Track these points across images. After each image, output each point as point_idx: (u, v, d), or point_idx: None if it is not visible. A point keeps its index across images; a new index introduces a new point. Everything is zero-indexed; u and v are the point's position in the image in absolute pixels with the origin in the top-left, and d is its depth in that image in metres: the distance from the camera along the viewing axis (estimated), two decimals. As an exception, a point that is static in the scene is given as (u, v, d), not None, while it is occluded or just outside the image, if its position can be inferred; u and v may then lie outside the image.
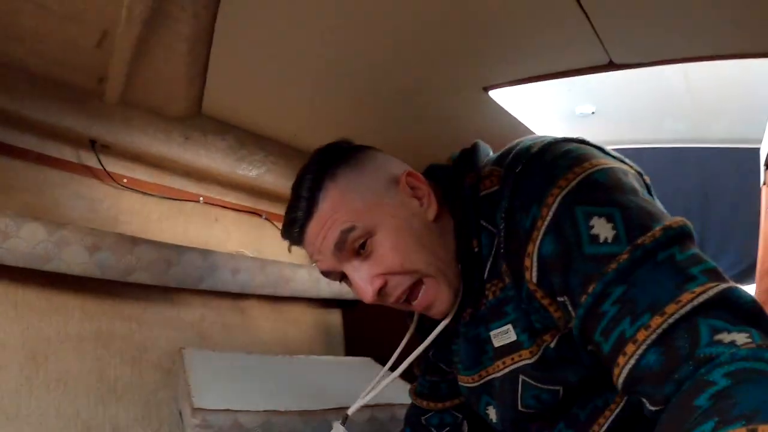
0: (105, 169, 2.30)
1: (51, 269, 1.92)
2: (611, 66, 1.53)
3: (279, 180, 2.83)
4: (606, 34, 1.39)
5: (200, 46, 1.68)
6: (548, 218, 0.75)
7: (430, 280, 0.96)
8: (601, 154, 0.81)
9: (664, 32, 1.37)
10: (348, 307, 3.37)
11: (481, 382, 1.08)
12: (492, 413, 1.10)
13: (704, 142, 2.33)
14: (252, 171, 2.72)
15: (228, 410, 1.72)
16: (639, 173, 0.86)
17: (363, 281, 0.95)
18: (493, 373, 1.04)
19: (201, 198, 2.74)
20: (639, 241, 0.65)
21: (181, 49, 1.68)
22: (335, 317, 3.35)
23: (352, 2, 1.39)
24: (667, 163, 2.78)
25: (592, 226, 0.69)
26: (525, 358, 0.94)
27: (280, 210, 2.96)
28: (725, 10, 1.21)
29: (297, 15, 1.49)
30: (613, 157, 0.85)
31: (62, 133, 2.14)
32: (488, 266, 0.97)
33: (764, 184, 1.88)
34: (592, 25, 1.36)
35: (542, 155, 0.85)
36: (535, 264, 0.78)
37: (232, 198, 2.90)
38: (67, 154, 2.24)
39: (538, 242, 0.77)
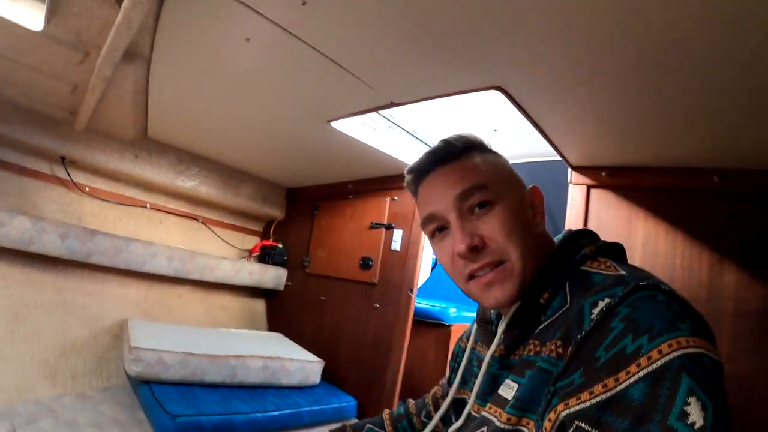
0: (72, 180, 2.85)
1: (34, 251, 2.48)
2: (393, 105, 1.80)
3: (211, 190, 3.41)
4: (380, 82, 1.66)
5: (140, 95, 2.11)
6: (655, 365, 0.69)
7: (510, 265, 0.98)
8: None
9: (432, 73, 1.52)
10: (271, 296, 3.89)
11: (477, 414, 1.05)
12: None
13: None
14: (188, 183, 3.27)
15: (155, 349, 2.22)
16: None
17: (465, 234, 0.98)
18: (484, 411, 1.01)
19: (148, 204, 3.26)
20: None
21: (126, 97, 2.11)
22: (260, 305, 3.88)
23: (256, 53, 1.59)
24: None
25: (689, 404, 0.64)
26: (497, 416, 0.93)
27: (213, 215, 3.63)
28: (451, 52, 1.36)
29: (213, 66, 1.76)
30: None
31: (40, 151, 2.68)
32: (543, 325, 0.95)
33: (570, 182, 2.10)
34: (356, 77, 1.63)
35: (674, 293, 0.82)
36: (613, 393, 0.72)
37: (173, 205, 3.43)
38: (43, 167, 2.78)
39: (631, 380, 0.70)
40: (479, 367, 1.11)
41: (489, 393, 1.04)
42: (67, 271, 2.80)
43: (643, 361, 0.70)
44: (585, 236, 1.06)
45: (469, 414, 1.08)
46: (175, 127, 2.74)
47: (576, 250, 0.99)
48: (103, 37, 1.58)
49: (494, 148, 1.14)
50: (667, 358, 0.69)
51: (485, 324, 1.17)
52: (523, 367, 0.95)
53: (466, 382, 1.21)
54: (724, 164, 1.71)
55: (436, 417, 1.21)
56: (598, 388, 0.74)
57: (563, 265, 0.98)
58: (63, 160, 2.80)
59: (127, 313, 2.97)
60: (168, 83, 2.01)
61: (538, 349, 0.93)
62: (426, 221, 1.07)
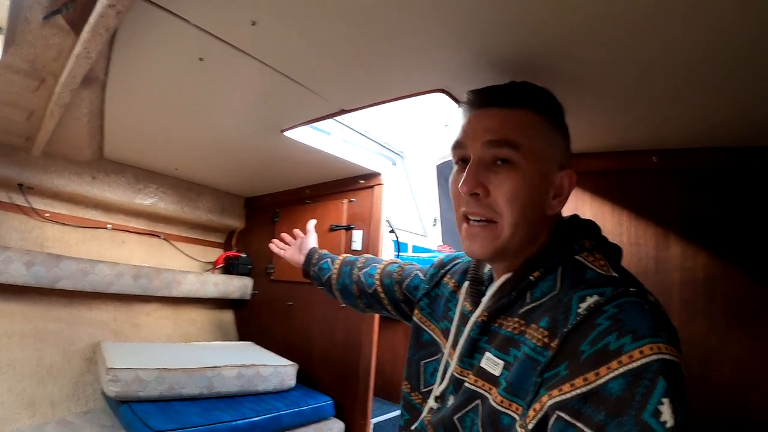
0: (32, 207, 2.89)
1: (1, 281, 2.51)
2: (343, 112, 1.89)
3: (170, 206, 3.48)
4: (332, 90, 1.74)
5: (95, 117, 2.16)
6: (635, 363, 0.74)
7: (498, 228, 1.04)
8: None
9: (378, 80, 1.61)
10: (238, 306, 3.98)
11: (461, 378, 1.11)
12: (449, 400, 1.14)
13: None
14: (147, 200, 3.33)
15: (131, 368, 2.28)
16: None
17: (473, 180, 1.03)
18: (466, 378, 1.08)
19: (109, 225, 3.32)
20: None
21: (82, 120, 2.15)
22: (228, 316, 3.98)
23: (209, 71, 1.65)
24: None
25: (663, 403, 0.69)
26: (492, 395, 0.97)
27: (173, 231, 3.72)
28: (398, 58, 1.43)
29: (168, 85, 1.82)
30: None
31: None
32: (528, 305, 1.00)
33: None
34: (307, 88, 1.72)
35: (658, 305, 0.89)
36: (592, 386, 0.76)
37: (134, 223, 3.48)
38: (1, 196, 2.79)
39: (611, 375, 0.75)
40: (461, 323, 1.19)
41: (467, 355, 1.10)
42: (35, 298, 2.82)
43: (624, 358, 0.75)
44: (587, 227, 1.10)
45: (453, 376, 1.14)
46: (131, 147, 2.79)
47: (575, 239, 1.04)
48: (59, 63, 1.64)
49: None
50: (647, 359, 0.74)
51: (476, 283, 1.22)
52: (505, 344, 1.00)
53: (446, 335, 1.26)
54: (661, 145, 1.83)
55: (443, 383, 1.20)
56: (579, 381, 0.78)
57: (560, 250, 1.03)
58: (21, 187, 2.83)
59: (98, 335, 3.02)
60: (123, 104, 2.07)
61: (522, 328, 0.98)
62: (455, 146, 1.11)
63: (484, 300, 1.11)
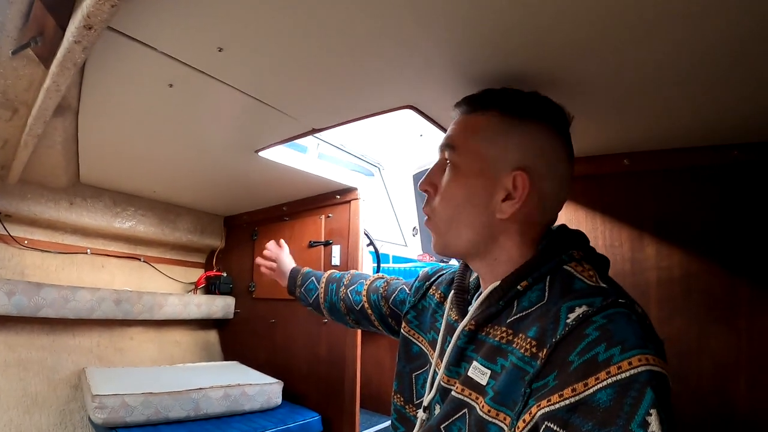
0: (10, 234, 2.87)
1: None
2: (314, 131, 1.95)
3: (149, 228, 3.47)
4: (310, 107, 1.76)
5: (70, 144, 2.17)
6: (624, 374, 0.74)
7: (434, 224, 1.14)
8: None
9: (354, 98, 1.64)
10: (222, 326, 3.97)
11: (447, 387, 1.12)
12: (435, 409, 1.16)
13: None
14: (126, 223, 3.33)
15: (116, 394, 2.27)
16: None
17: (427, 177, 1.15)
18: (453, 387, 1.09)
19: (88, 250, 3.30)
20: None
21: (57, 147, 2.17)
22: (212, 336, 3.97)
23: (179, 97, 1.67)
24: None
25: (651, 414, 0.70)
26: (479, 404, 0.97)
27: (154, 253, 3.73)
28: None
29: (139, 111, 1.84)
30: None
31: None
32: (516, 315, 1.00)
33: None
34: (278, 110, 1.77)
35: (645, 317, 0.91)
36: (581, 397, 0.77)
37: (113, 247, 3.47)
38: None
39: (599, 385, 0.76)
40: (447, 332, 1.21)
41: (454, 364, 1.12)
42: (17, 327, 2.82)
43: (613, 369, 0.76)
44: (576, 237, 1.10)
45: (440, 386, 1.15)
46: (108, 171, 2.81)
47: (564, 249, 1.04)
48: (30, 94, 1.66)
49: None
50: (635, 371, 0.75)
51: (461, 292, 1.25)
52: (492, 353, 1.00)
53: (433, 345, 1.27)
54: (632, 148, 1.90)
55: (432, 390, 1.19)
56: (567, 392, 0.79)
57: (548, 259, 1.02)
58: (-2, 216, 2.95)
59: (82, 361, 3.02)
60: (97, 131, 2.09)
61: (510, 338, 0.98)
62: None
63: (472, 309, 1.12)
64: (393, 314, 1.60)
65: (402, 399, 1.36)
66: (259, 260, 2.20)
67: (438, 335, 1.24)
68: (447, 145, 1.14)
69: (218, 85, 1.56)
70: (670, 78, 1.32)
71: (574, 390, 0.78)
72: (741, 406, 1.61)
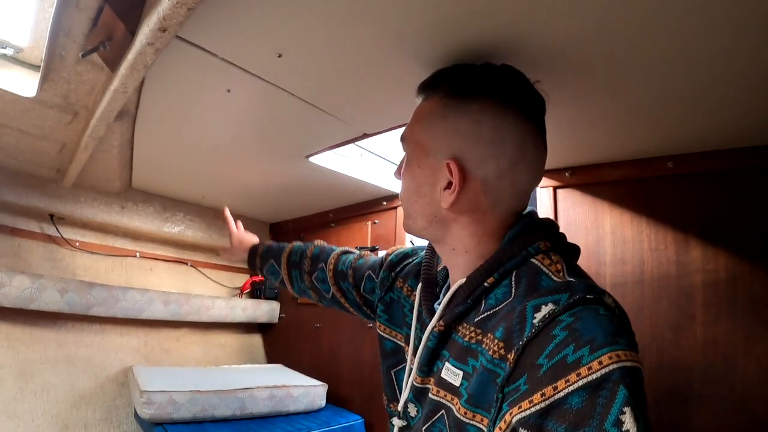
0: (62, 237, 2.98)
1: (34, 308, 2.56)
2: (365, 136, 1.95)
3: (197, 233, 3.53)
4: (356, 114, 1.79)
5: (125, 149, 2.20)
6: (594, 375, 0.73)
7: (402, 209, 1.15)
8: None
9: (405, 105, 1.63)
10: (266, 330, 4.04)
11: (422, 387, 1.11)
12: (412, 411, 1.15)
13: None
14: (175, 228, 3.41)
15: (164, 391, 2.34)
16: None
17: (399, 166, 1.18)
18: (429, 387, 1.08)
19: (138, 253, 3.39)
20: None
21: (113, 151, 2.20)
22: (257, 339, 4.03)
23: (236, 102, 1.71)
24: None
25: (624, 413, 0.69)
26: (455, 406, 0.97)
27: (201, 258, 3.78)
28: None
29: (196, 117, 1.87)
30: None
31: (29, 211, 2.80)
32: (483, 314, 0.98)
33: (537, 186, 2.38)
34: (331, 115, 1.78)
35: (615, 308, 0.87)
36: (551, 401, 0.76)
37: (162, 251, 3.55)
38: (33, 227, 2.89)
39: (570, 388, 0.74)
40: (419, 329, 1.19)
41: (426, 365, 1.09)
42: (68, 324, 2.90)
43: (583, 371, 0.74)
44: (543, 228, 1.04)
45: (413, 386, 1.13)
46: (159, 176, 2.85)
47: (531, 241, 0.99)
48: (92, 98, 1.71)
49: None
50: (606, 370, 0.73)
51: (429, 285, 1.22)
52: (462, 353, 0.99)
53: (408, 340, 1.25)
54: (676, 151, 1.89)
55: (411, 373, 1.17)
56: (537, 397, 0.77)
57: (514, 253, 0.98)
58: (52, 218, 2.92)
59: (128, 360, 3.09)
60: (152, 136, 2.13)
61: (479, 338, 0.96)
62: None
63: (439, 309, 1.10)
64: (366, 302, 1.56)
65: (386, 398, 1.34)
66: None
67: (410, 330, 1.23)
68: (401, 137, 1.14)
69: (275, 90, 1.58)
70: (710, 78, 1.32)
71: (543, 395, 0.77)
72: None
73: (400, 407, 1.18)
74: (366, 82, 1.56)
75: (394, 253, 1.48)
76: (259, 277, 4.04)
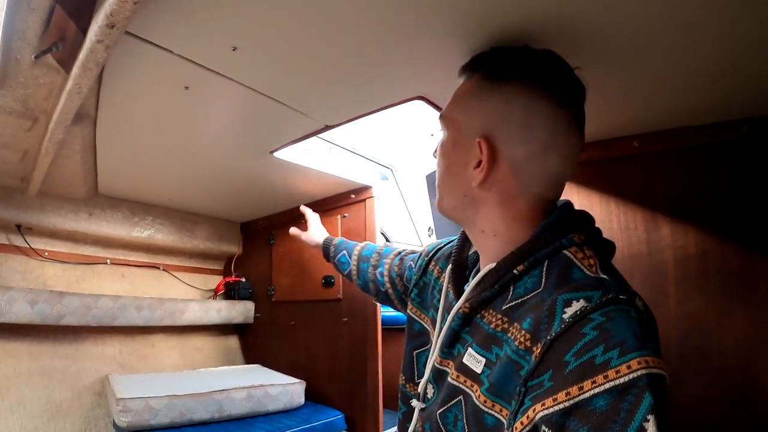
0: (31, 247, 2.94)
1: (5, 321, 2.51)
2: (327, 128, 1.97)
3: (167, 236, 3.52)
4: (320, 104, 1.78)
5: (88, 153, 2.19)
6: (622, 379, 0.73)
7: (438, 190, 1.17)
8: None
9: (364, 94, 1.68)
10: (242, 330, 4.03)
11: (442, 368, 1.12)
12: (430, 392, 1.16)
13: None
14: (144, 232, 3.38)
15: (140, 397, 2.32)
16: None
17: (437, 146, 1.18)
18: (448, 371, 1.09)
19: (108, 260, 3.37)
20: None
21: (76, 156, 2.17)
22: (233, 341, 4.03)
23: (195, 99, 1.71)
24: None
25: (648, 420, 0.68)
26: (474, 393, 0.97)
27: (173, 261, 3.77)
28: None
29: (156, 117, 1.87)
30: None
31: None
32: (512, 302, 0.98)
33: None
34: (291, 108, 1.80)
35: (644, 312, 0.87)
36: (575, 401, 0.75)
37: (133, 257, 3.52)
38: (1, 238, 2.84)
39: (596, 390, 0.74)
40: (445, 310, 1.20)
41: (448, 346, 1.10)
42: (41, 336, 2.86)
43: (611, 373, 0.73)
44: (579, 220, 1.04)
45: (434, 366, 1.14)
46: (125, 180, 2.84)
47: (565, 232, 0.99)
48: (50, 102, 1.68)
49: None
50: (634, 375, 0.72)
51: (458, 268, 1.23)
52: (487, 340, 0.98)
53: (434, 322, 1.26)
54: (641, 130, 1.91)
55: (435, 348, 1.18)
56: (561, 395, 0.77)
57: (547, 242, 0.97)
58: (19, 228, 2.88)
59: (104, 369, 3.07)
60: (114, 139, 2.12)
61: (505, 326, 0.95)
62: None
63: (467, 290, 1.10)
64: (405, 290, 1.59)
65: (404, 378, 1.34)
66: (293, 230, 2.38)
67: (437, 313, 1.23)
68: (440, 116, 1.16)
69: (233, 85, 1.58)
70: (676, 54, 1.33)
71: (568, 394, 0.77)
72: (764, 379, 1.62)
73: (420, 388, 1.19)
74: (324, 74, 1.55)
75: (434, 244, 1.51)
76: (233, 278, 4.05)
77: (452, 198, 1.12)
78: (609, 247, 1.07)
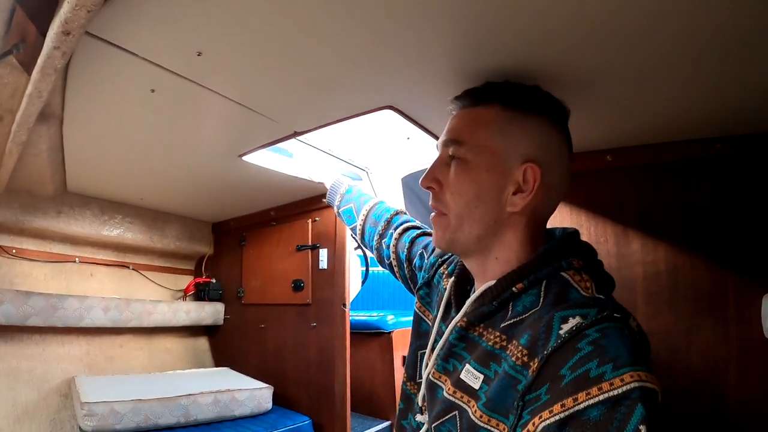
0: None
1: None
2: (296, 134, 1.98)
3: (137, 235, 3.49)
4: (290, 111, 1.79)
5: (55, 152, 2.17)
6: (615, 391, 0.75)
7: (447, 220, 1.12)
8: None
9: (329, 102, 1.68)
10: (212, 332, 4.02)
11: (436, 382, 1.14)
12: (421, 402, 1.21)
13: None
14: (114, 231, 3.35)
15: (105, 401, 2.30)
16: None
17: (429, 174, 1.13)
18: (443, 386, 1.11)
19: (77, 258, 3.33)
20: None
21: (43, 155, 2.16)
22: (203, 342, 4.02)
23: (162, 102, 1.70)
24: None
25: (639, 430, 0.70)
26: (471, 408, 0.98)
27: (143, 260, 3.75)
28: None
29: (123, 118, 1.86)
30: None
31: None
32: (510, 320, 1.00)
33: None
34: (259, 113, 1.80)
35: (637, 332, 0.90)
36: (570, 411, 0.77)
37: (102, 255, 3.49)
38: None
39: (591, 401, 0.76)
40: (442, 320, 1.22)
41: (443, 359, 1.13)
42: (6, 337, 2.82)
43: (605, 386, 0.76)
44: (580, 247, 1.08)
45: (428, 380, 1.16)
46: (95, 179, 2.82)
47: (566, 256, 1.03)
48: (15, 101, 1.65)
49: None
50: (627, 387, 0.74)
51: (461, 282, 1.24)
52: (486, 357, 1.00)
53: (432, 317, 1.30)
54: (614, 144, 1.93)
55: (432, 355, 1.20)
56: (557, 408, 0.78)
57: (547, 263, 1.01)
58: (-15, 226, 2.89)
59: (71, 370, 3.02)
60: (82, 138, 2.10)
61: (503, 344, 0.98)
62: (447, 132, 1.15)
63: (465, 305, 1.11)
64: (412, 277, 1.60)
65: (406, 376, 1.35)
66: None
67: (435, 323, 1.26)
68: (452, 141, 1.12)
69: (199, 89, 1.58)
70: (653, 73, 1.34)
71: (563, 405, 0.78)
72: (731, 398, 1.64)
73: (419, 399, 1.22)
74: (291, 81, 1.55)
75: None
76: (203, 279, 4.05)
77: (479, 227, 1.10)
78: (608, 280, 1.10)
